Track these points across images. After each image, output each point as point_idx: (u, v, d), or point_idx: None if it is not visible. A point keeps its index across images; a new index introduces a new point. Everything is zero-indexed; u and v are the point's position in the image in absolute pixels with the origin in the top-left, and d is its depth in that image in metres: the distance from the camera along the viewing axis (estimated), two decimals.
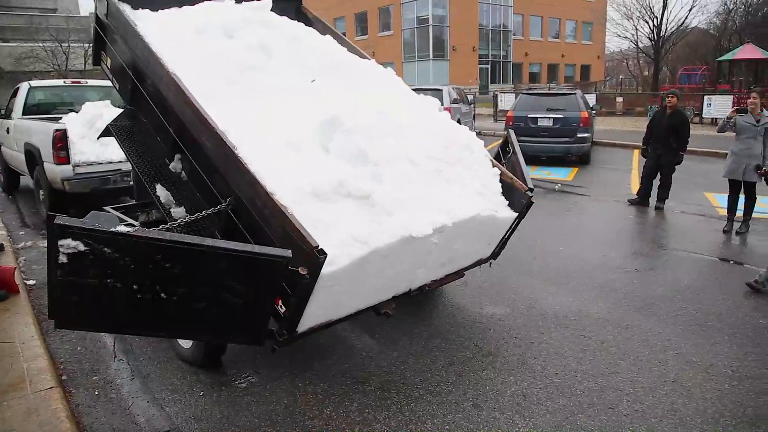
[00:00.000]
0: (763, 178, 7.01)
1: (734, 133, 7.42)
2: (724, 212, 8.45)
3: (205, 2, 5.01)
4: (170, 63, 3.75)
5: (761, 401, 3.57)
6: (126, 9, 4.44)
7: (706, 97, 19.94)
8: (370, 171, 3.38)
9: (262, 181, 3.00)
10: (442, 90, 15.66)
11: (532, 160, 12.59)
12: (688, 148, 8.86)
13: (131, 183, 6.09)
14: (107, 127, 4.66)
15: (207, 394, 3.71)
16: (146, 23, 4.35)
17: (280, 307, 2.97)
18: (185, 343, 4.02)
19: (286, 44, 4.67)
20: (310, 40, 4.99)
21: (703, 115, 19.94)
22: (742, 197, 7.52)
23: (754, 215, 7.48)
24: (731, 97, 19.49)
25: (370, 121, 3.67)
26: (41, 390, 3.60)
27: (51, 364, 4.00)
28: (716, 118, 19.77)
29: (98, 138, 5.29)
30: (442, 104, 16.82)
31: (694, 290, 5.46)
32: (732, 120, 7.26)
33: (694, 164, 11.59)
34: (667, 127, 8.60)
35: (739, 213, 7.52)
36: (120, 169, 7.35)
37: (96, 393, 3.75)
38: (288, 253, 2.63)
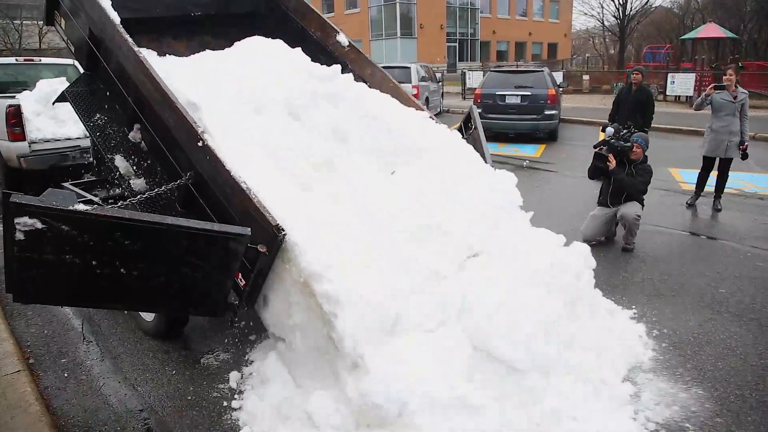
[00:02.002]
0: (741, 153, 7.14)
1: (710, 111, 7.40)
2: (687, 187, 8.68)
3: (249, 54, 4.33)
4: (231, 163, 3.10)
5: (720, 365, 3.71)
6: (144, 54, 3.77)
7: (669, 75, 20.30)
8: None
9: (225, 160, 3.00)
10: (410, 68, 15.58)
11: (500, 137, 12.70)
12: (652, 125, 9.04)
13: (91, 160, 5.94)
14: (63, 92, 4.47)
15: (179, 373, 3.69)
16: (179, 81, 3.60)
17: (240, 280, 2.99)
18: (147, 316, 4.01)
19: (357, 123, 4.08)
20: (378, 109, 4.28)
21: (667, 93, 20.32)
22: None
23: (709, 189, 7.67)
24: (694, 74, 19.90)
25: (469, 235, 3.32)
26: (8, 374, 3.52)
27: (17, 347, 3.91)
28: (679, 96, 20.21)
29: (53, 103, 5.09)
30: (410, 82, 16.52)
31: (659, 261, 5.61)
32: (709, 98, 7.27)
33: (658, 140, 11.81)
34: (632, 104, 8.75)
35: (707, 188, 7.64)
36: (78, 146, 7.18)
37: (65, 375, 3.69)
38: (247, 231, 2.69)
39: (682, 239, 6.38)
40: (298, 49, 4.46)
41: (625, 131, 6.12)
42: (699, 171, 7.67)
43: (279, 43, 4.48)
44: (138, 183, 3.71)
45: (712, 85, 7.39)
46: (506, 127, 12.56)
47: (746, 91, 7.35)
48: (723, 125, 7.21)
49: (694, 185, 7.79)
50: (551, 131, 13.04)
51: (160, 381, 3.61)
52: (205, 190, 3.21)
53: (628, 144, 5.83)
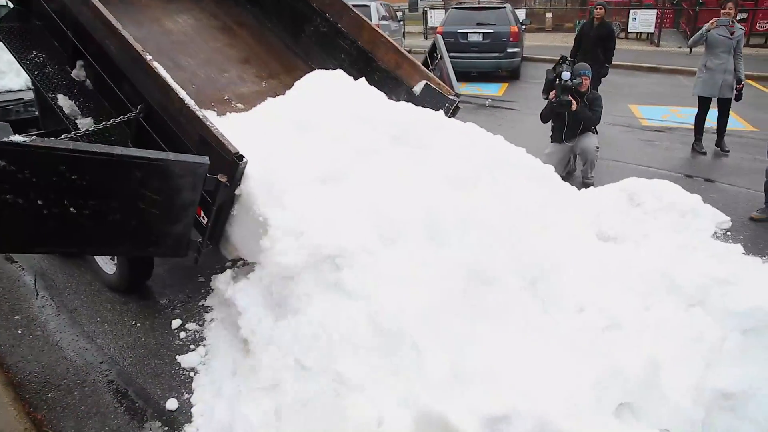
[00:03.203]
0: (736, 93, 6.83)
1: (704, 48, 7.06)
2: (646, 123, 8.79)
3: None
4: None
5: None
6: None
7: (631, 12, 20.17)
8: None
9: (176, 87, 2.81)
10: (369, 6, 15.05)
11: (463, 76, 12.45)
12: (613, 62, 9.00)
13: (36, 114, 5.58)
14: None
15: (139, 323, 3.61)
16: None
17: (202, 217, 2.87)
18: (108, 269, 3.88)
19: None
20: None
21: (629, 30, 20.25)
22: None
23: (673, 124, 7.76)
24: (655, 11, 19.83)
25: None
26: None
27: None
28: (641, 33, 20.18)
29: None
30: (371, 20, 16.03)
31: None
32: (708, 33, 6.82)
33: (619, 77, 11.85)
34: (594, 39, 8.65)
35: (675, 124, 7.58)
36: (22, 99, 6.71)
37: (19, 332, 3.56)
38: (205, 160, 2.54)
39: (640, 173, 6.44)
40: (363, 83, 3.90)
41: (566, 66, 6.06)
42: (696, 113, 7.29)
43: (341, 76, 3.86)
44: (85, 122, 3.45)
45: (714, 19, 6.89)
46: (468, 65, 12.36)
47: (743, 27, 6.95)
48: (719, 63, 6.79)
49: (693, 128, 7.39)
50: (513, 69, 12.91)
51: (120, 332, 3.54)
52: (158, 122, 3.03)
53: (578, 79, 5.79)
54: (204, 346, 3.32)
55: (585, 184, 5.99)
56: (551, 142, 6.20)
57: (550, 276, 3.01)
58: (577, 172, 6.40)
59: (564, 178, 5.96)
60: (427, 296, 2.69)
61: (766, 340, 2.70)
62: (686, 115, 8.84)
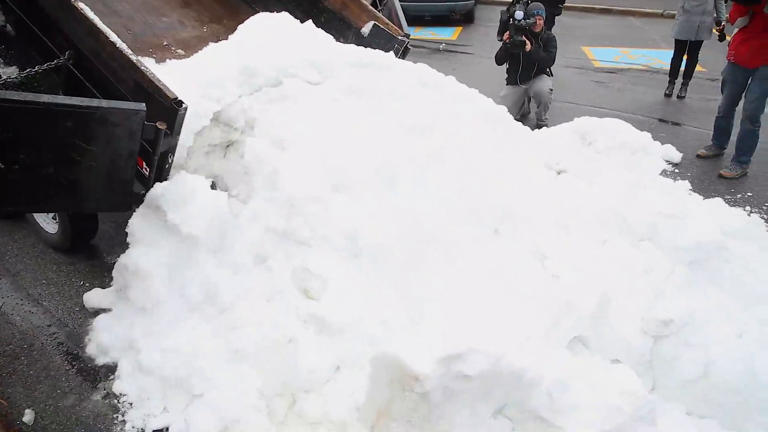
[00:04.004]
0: (718, 35, 6.42)
1: None
2: (598, 64, 8.81)
3: None
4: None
5: None
6: None
7: None
8: None
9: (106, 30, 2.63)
10: None
11: (416, 20, 12.17)
12: (566, 4, 8.90)
13: None
14: None
15: (88, 282, 3.49)
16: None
17: (144, 169, 2.75)
18: (50, 228, 3.71)
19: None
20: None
21: None
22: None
23: (624, 66, 7.78)
24: None
25: None
26: None
27: None
28: None
29: None
30: None
31: None
32: None
33: (572, 19, 11.77)
34: None
35: (626, 65, 7.53)
36: None
37: None
38: (141, 106, 2.41)
39: (593, 114, 6.46)
40: (310, 26, 3.86)
41: (519, 6, 5.95)
42: (672, 55, 7.06)
43: (286, 19, 3.82)
44: (9, 72, 3.21)
45: None
46: (422, 9, 12.03)
47: None
48: (696, 4, 6.46)
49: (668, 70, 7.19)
50: (467, 12, 12.64)
51: (68, 294, 3.42)
52: (90, 69, 2.83)
53: (532, 19, 5.68)
54: None
55: (539, 125, 6.01)
56: (506, 84, 6.17)
57: (507, 224, 3.03)
58: (531, 114, 6.41)
59: (518, 120, 5.99)
60: (383, 241, 2.68)
61: (709, 271, 2.84)
62: (637, 56, 8.94)
